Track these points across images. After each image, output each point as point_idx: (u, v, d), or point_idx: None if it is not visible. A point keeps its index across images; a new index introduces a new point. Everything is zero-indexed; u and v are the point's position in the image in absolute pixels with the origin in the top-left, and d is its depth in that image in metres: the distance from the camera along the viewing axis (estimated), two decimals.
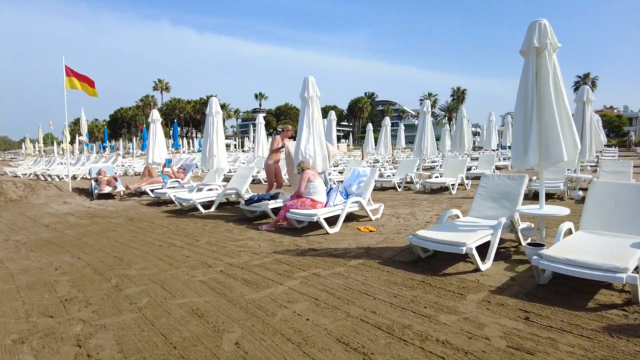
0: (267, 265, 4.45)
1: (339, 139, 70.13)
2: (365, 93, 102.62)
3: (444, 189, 10.81)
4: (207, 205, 8.38)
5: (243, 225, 6.84)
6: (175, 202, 8.66)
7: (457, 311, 3.07)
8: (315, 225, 6.23)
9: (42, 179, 14.76)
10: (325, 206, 6.43)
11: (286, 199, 6.80)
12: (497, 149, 21.84)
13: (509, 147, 21.82)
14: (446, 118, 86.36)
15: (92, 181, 10.86)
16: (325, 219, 5.99)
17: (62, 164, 19.27)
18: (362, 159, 21.64)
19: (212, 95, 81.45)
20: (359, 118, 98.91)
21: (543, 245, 4.04)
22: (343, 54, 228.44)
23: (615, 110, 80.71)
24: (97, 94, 11.58)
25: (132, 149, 33.46)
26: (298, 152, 7.07)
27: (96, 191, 10.25)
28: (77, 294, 3.71)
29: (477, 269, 4.00)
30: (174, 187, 10.30)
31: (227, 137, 65.62)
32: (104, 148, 44.15)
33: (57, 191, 11.44)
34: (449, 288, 3.59)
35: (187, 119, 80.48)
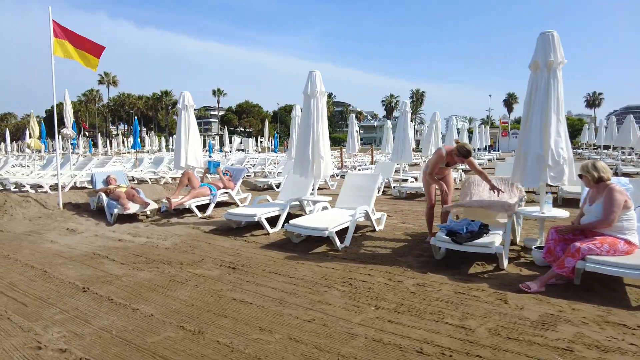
0: None
1: None
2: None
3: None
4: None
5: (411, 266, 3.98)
6: (229, 219, 5.76)
7: None
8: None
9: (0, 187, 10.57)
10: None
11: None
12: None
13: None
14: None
15: (102, 194, 7.24)
16: None
17: (22, 165, 14.84)
18: (371, 161, 19.11)
19: (166, 91, 75.33)
20: None
21: None
22: (291, 53, 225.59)
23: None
24: (97, 65, 7.93)
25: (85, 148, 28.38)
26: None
27: (115, 211, 6.69)
28: None
29: None
30: (230, 202, 7.04)
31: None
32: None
33: (40, 208, 7.65)
34: None
35: (137, 115, 73.42)
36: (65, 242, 5.63)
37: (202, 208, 7.53)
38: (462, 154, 4.98)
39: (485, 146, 33.38)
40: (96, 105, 75.64)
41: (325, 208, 6.17)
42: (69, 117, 9.29)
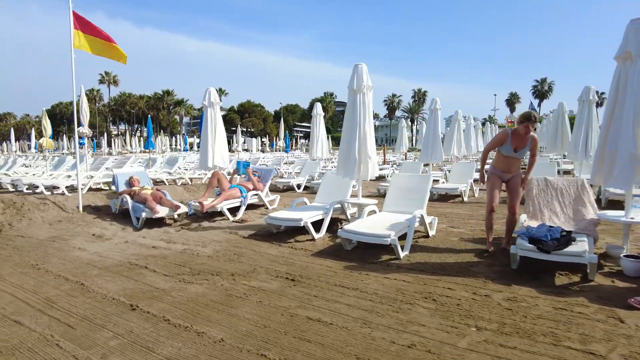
0: None
1: (297, 140, 66.85)
2: (325, 93, 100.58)
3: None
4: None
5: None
6: (269, 222, 5.25)
7: None
8: None
9: (11, 188, 10.08)
10: None
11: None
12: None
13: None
14: (408, 119, 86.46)
15: (126, 196, 6.76)
16: None
17: (25, 165, 14.36)
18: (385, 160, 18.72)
19: (167, 90, 75.33)
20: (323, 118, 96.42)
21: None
22: (290, 53, 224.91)
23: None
24: (125, 57, 7.46)
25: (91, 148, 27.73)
26: None
27: (143, 214, 6.21)
28: None
29: None
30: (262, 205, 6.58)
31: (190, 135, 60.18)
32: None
33: (59, 212, 7.17)
34: None
35: (139, 115, 72.84)
36: (94, 249, 5.16)
37: (232, 211, 7.07)
38: (524, 116, 4.55)
39: None
40: (96, 105, 75.08)
41: (372, 212, 5.71)
42: (85, 115, 8.81)
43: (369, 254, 4.77)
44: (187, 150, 34.12)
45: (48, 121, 12.41)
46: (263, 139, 60.78)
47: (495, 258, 4.54)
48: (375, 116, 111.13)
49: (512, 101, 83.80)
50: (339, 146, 6.11)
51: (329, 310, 3.27)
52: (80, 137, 9.43)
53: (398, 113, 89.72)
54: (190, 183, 10.90)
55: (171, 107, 72.81)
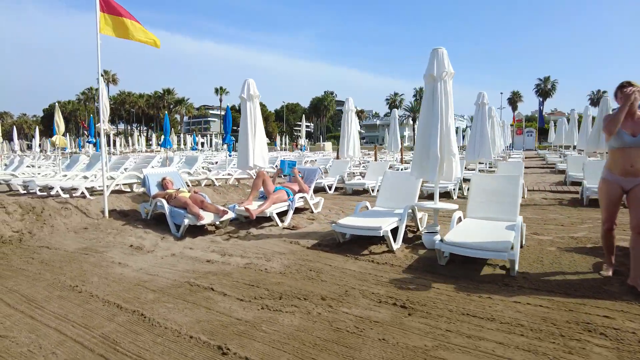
0: None
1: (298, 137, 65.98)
2: (325, 92, 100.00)
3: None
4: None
5: None
6: (339, 230, 4.46)
7: None
8: None
9: (22, 190, 9.24)
10: None
11: None
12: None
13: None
14: (410, 118, 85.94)
15: (162, 200, 5.96)
16: None
17: (30, 166, 13.55)
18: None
19: (167, 89, 74.51)
20: (323, 117, 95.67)
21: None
22: (287, 54, 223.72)
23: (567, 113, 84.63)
24: (159, 41, 6.67)
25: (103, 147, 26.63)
26: None
27: (186, 221, 5.41)
28: None
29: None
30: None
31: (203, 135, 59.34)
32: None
33: (83, 217, 6.36)
34: None
35: (138, 114, 71.79)
36: (138, 264, 4.36)
37: (278, 215, 6.28)
38: (621, 84, 3.55)
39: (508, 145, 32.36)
40: (95, 103, 73.97)
41: (459, 219, 4.93)
42: (105, 110, 8.00)
43: (468, 269, 4.00)
44: (195, 149, 33.25)
45: (61, 117, 11.53)
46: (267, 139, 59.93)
47: (625, 276, 3.77)
48: (376, 115, 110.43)
49: (514, 100, 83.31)
50: (415, 142, 5.34)
51: (480, 351, 2.50)
52: (108, 134, 8.62)
53: (400, 112, 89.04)
54: (217, 184, 10.09)
55: (172, 106, 71.81)
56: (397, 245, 4.75)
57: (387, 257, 4.47)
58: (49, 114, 75.90)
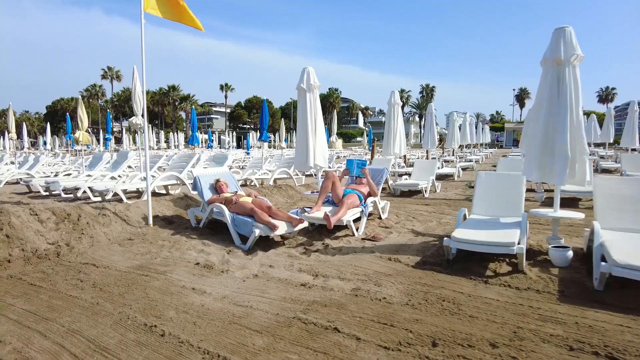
0: None
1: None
2: (330, 89, 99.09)
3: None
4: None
5: None
6: (455, 246, 3.66)
7: None
8: None
9: (43, 191, 8.39)
10: None
11: None
12: None
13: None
14: (416, 116, 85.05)
15: (221, 206, 5.11)
16: None
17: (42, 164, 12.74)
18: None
19: (173, 85, 73.38)
20: (329, 113, 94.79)
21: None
22: (287, 50, 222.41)
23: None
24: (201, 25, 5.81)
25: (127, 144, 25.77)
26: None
27: (257, 232, 4.55)
28: None
29: None
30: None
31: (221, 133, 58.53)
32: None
33: (124, 225, 5.52)
34: None
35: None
36: (217, 290, 3.50)
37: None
38: None
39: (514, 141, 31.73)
40: (99, 101, 73.11)
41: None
42: (139, 102, 7.15)
43: (625, 294, 3.14)
44: (211, 147, 32.38)
45: (84, 111, 10.67)
46: (270, 135, 59.00)
47: None
48: (380, 112, 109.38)
49: (522, 97, 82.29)
50: (527, 139, 4.47)
51: None
52: (140, 129, 7.77)
53: (407, 109, 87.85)
54: (257, 185, 9.24)
55: (177, 103, 70.93)
56: (524, 263, 3.90)
57: (520, 280, 3.61)
58: (52, 110, 74.99)
